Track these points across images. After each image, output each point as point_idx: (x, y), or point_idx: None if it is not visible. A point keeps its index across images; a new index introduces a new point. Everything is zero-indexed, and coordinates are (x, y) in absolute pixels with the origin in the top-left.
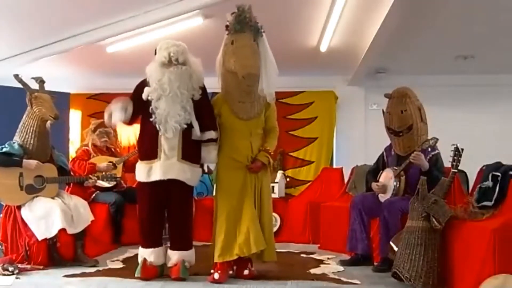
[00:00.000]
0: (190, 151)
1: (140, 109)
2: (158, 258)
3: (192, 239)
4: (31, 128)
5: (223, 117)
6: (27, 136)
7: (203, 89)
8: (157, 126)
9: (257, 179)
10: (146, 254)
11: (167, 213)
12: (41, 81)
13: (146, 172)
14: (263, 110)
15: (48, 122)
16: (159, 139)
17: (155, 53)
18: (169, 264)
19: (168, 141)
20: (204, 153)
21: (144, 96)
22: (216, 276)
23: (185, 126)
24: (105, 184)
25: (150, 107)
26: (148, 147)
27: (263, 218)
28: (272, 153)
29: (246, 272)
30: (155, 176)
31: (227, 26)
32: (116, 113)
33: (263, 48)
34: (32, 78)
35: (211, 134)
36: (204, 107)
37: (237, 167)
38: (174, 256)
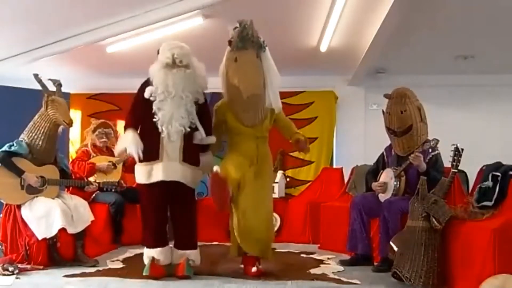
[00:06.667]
0: (191, 154)
1: (146, 110)
2: (166, 258)
3: (196, 239)
4: (42, 130)
5: (228, 124)
6: (36, 137)
7: (204, 94)
8: (160, 127)
9: (259, 175)
10: (154, 253)
11: (170, 214)
12: (58, 84)
13: (147, 173)
14: (268, 116)
15: (61, 127)
16: (161, 140)
17: (158, 53)
18: (175, 262)
19: (171, 143)
20: (202, 163)
21: (146, 94)
22: (254, 269)
23: (189, 129)
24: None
25: (153, 108)
26: (149, 147)
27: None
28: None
29: (254, 269)
30: (156, 177)
31: (230, 42)
32: (132, 146)
33: (267, 62)
34: (50, 79)
35: (212, 139)
36: (205, 113)
37: (243, 166)
38: (179, 255)
